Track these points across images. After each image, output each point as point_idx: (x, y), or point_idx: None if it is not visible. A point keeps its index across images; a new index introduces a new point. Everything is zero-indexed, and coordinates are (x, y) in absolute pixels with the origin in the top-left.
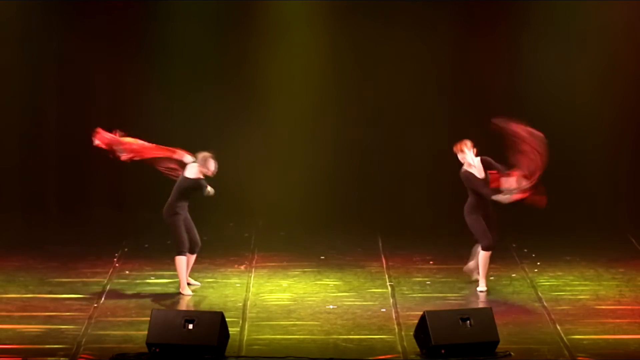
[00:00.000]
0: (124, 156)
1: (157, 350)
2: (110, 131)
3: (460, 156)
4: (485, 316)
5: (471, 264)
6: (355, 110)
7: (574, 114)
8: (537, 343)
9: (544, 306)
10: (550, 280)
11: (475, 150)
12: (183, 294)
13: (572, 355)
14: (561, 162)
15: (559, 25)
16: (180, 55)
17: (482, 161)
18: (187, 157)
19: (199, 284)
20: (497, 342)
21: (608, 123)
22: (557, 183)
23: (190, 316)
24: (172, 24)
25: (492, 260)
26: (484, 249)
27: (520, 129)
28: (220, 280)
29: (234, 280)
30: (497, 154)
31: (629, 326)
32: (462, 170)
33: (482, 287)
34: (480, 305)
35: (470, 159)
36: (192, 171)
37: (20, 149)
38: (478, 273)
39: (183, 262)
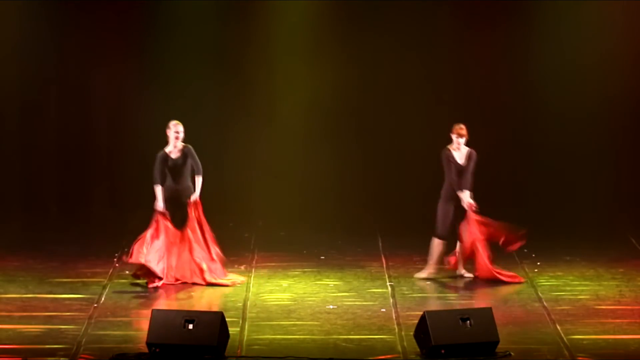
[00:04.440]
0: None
1: (157, 350)
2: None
3: (456, 137)
4: (485, 316)
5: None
6: (355, 109)
7: (574, 114)
8: (537, 343)
9: (544, 306)
10: (550, 280)
11: (466, 139)
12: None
13: (572, 355)
14: (561, 162)
15: (560, 24)
16: (181, 56)
17: (469, 153)
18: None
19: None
20: (497, 342)
21: (608, 123)
22: (557, 183)
23: (190, 316)
24: (172, 24)
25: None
26: (436, 235)
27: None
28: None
29: (234, 280)
30: (497, 154)
31: (629, 326)
32: (445, 148)
33: (422, 274)
34: (481, 305)
35: (462, 144)
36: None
37: (20, 149)
38: (462, 268)
39: None
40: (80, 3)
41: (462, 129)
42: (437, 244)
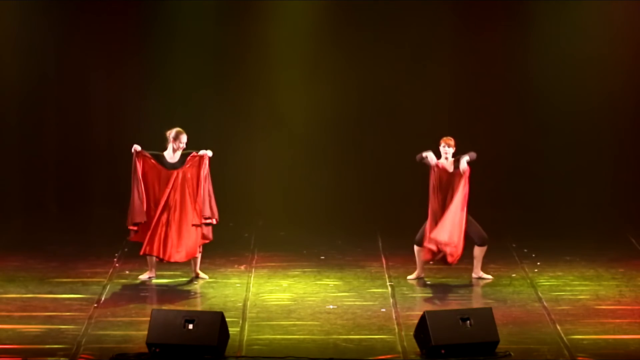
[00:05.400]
0: None
1: (157, 350)
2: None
3: (443, 147)
4: (485, 316)
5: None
6: (356, 109)
7: (574, 114)
8: (537, 343)
9: (544, 306)
10: (550, 280)
11: (454, 150)
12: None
13: (572, 355)
14: (562, 162)
15: (560, 24)
16: (181, 56)
17: (455, 160)
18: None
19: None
20: (497, 342)
21: (608, 123)
22: (557, 183)
23: (190, 316)
24: (173, 25)
25: (492, 260)
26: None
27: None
28: (220, 280)
29: (234, 280)
30: (497, 155)
31: (629, 326)
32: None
33: (412, 276)
34: (481, 305)
35: (449, 154)
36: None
37: (20, 149)
38: (479, 271)
39: None
40: (80, 3)
41: (450, 139)
42: (416, 250)
